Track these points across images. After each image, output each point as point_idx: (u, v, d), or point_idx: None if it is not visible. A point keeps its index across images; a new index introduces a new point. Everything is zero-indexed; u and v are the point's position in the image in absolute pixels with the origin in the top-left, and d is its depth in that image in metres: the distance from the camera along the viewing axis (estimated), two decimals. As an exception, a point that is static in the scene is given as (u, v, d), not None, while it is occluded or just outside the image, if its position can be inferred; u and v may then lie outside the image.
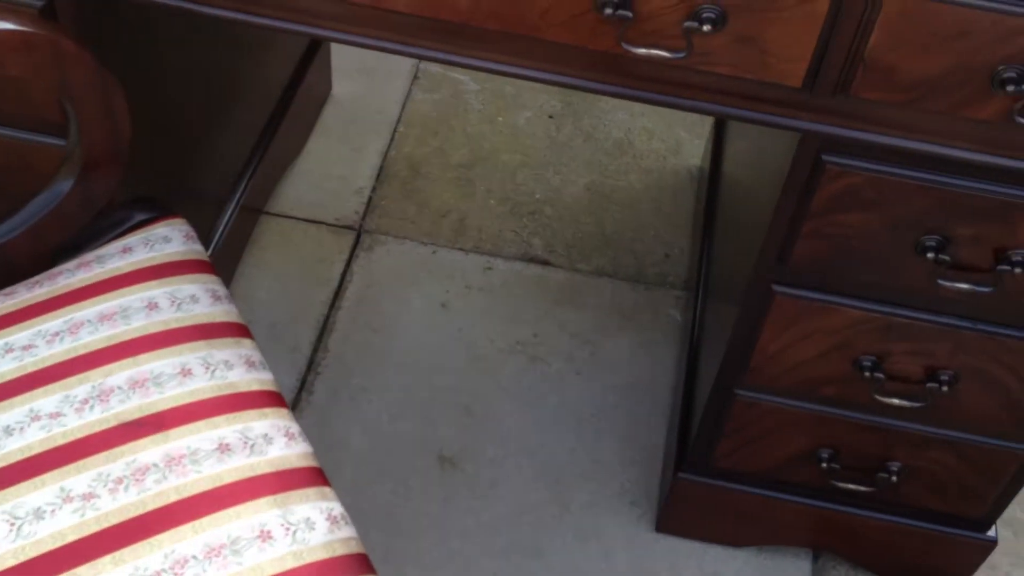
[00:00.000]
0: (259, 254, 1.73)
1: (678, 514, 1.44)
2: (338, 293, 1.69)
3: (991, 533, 1.36)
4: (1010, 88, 0.88)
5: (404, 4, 0.94)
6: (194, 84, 1.44)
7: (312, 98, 1.88)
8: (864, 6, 0.87)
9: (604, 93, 0.97)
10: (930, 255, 1.03)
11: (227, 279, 1.66)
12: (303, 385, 1.58)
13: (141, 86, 1.22)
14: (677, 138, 1.94)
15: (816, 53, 0.90)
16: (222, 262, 1.61)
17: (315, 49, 1.84)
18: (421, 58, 1.01)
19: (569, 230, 1.80)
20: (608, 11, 0.89)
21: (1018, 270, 1.02)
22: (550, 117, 1.95)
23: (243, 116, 1.63)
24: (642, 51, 0.91)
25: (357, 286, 1.70)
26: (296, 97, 1.78)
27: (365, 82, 1.98)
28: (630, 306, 1.72)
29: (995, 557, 1.48)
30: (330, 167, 1.85)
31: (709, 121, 1.88)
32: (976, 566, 1.40)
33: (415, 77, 2.00)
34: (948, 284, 1.04)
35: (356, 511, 1.40)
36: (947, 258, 1.03)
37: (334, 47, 1.94)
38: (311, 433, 1.52)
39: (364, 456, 1.52)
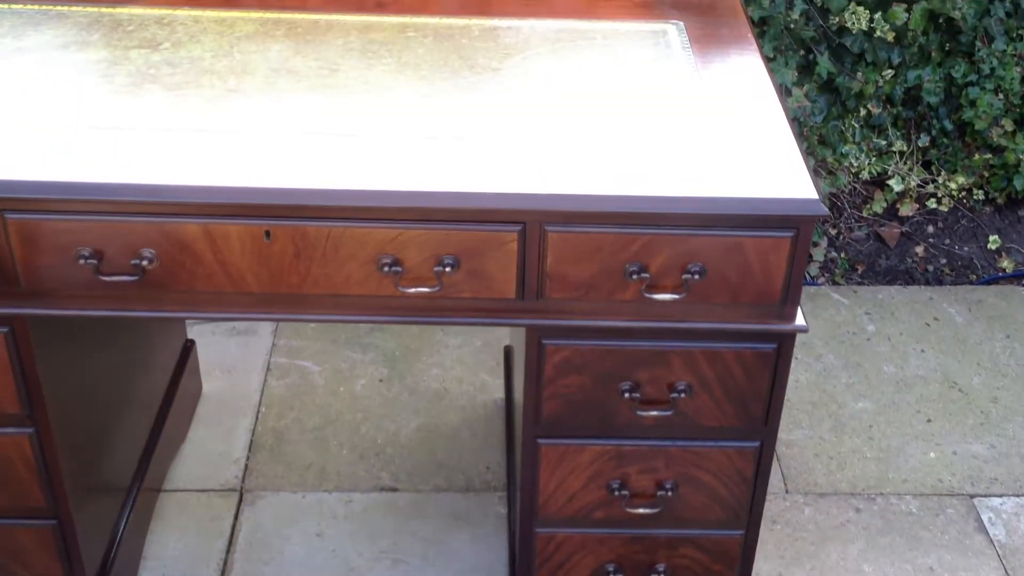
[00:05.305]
0: (163, 522, 2.14)
1: (520, 648, 1.85)
2: (231, 539, 2.10)
3: (746, 609, 1.82)
4: (635, 277, 1.45)
5: (256, 285, 1.46)
6: (100, 405, 1.90)
7: (187, 397, 2.35)
8: (538, 239, 1.43)
9: (395, 323, 1.50)
10: (626, 395, 1.56)
11: (138, 548, 2.06)
12: (212, 613, 1.97)
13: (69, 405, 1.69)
14: (481, 381, 2.47)
15: (519, 274, 1.46)
16: (132, 536, 2.01)
17: (185, 358, 2.33)
18: (274, 320, 1.52)
19: (409, 462, 2.28)
20: (386, 268, 1.43)
21: (684, 395, 1.56)
22: (380, 381, 2.47)
23: (135, 420, 2.09)
24: (412, 291, 1.45)
25: (246, 532, 2.12)
26: (175, 399, 2.24)
27: (228, 379, 2.47)
28: (464, 510, 2.18)
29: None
30: (210, 446, 2.30)
31: (503, 364, 2.43)
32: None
33: (268, 368, 2.50)
34: (644, 413, 1.57)
35: None
36: (638, 395, 1.56)
37: (200, 354, 2.43)
38: (224, 645, 1.90)
39: (269, 657, 1.90)
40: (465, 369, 2.51)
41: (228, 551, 2.08)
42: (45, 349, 1.58)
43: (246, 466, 2.26)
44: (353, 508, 2.17)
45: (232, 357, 2.53)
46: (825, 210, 1.39)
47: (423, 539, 2.11)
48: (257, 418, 2.37)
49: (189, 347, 2.35)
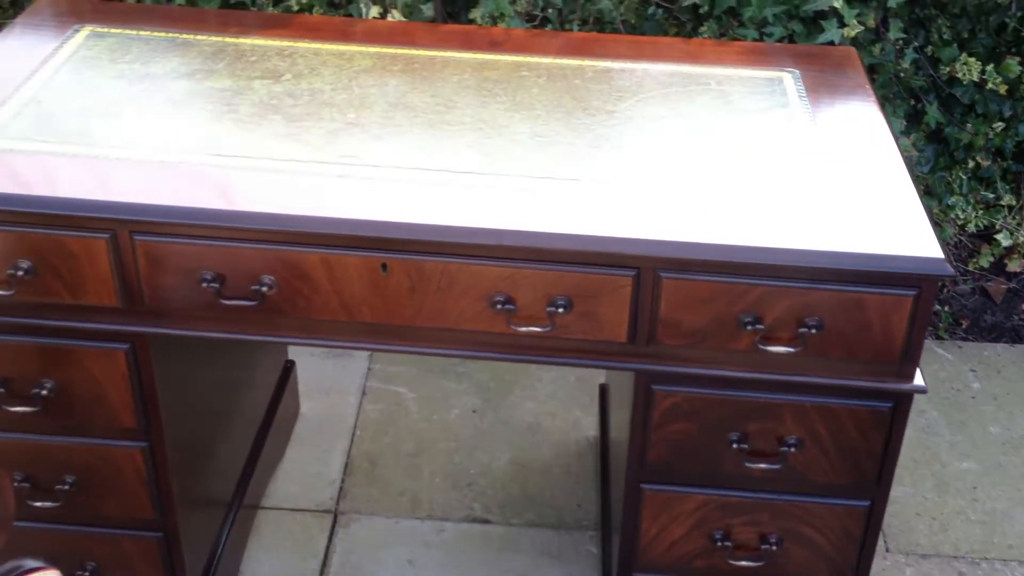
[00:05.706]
0: (259, 539, 2.17)
1: None
2: (325, 562, 2.12)
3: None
4: (749, 328, 1.43)
5: (371, 316, 1.48)
6: (207, 420, 1.93)
7: (286, 416, 2.38)
8: (652, 285, 1.43)
9: (505, 360, 1.50)
10: (735, 446, 1.54)
11: (236, 564, 2.09)
12: (302, 636, 1.98)
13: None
14: (575, 417, 2.47)
15: (631, 318, 1.45)
16: (231, 551, 2.04)
17: (285, 378, 2.36)
18: (387, 351, 1.53)
19: (501, 494, 2.28)
20: (498, 306, 1.44)
21: (794, 449, 1.53)
22: (473, 411, 2.48)
23: (237, 436, 2.12)
24: (523, 329, 1.46)
25: (339, 554, 2.14)
26: (275, 417, 2.28)
27: (325, 400, 2.50)
28: (556, 547, 2.17)
29: None
30: (307, 466, 2.32)
31: (596, 402, 2.42)
32: None
33: (363, 392, 2.52)
34: (753, 465, 1.55)
35: None
36: (747, 447, 1.54)
37: (300, 375, 2.46)
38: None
39: None
40: (558, 404, 2.50)
41: (322, 573, 2.10)
42: (160, 365, 1.61)
43: (341, 488, 2.28)
44: (445, 537, 2.18)
45: (329, 379, 2.56)
46: (951, 270, 1.36)
47: (514, 573, 2.11)
48: (352, 441, 2.40)
49: (289, 367, 2.38)
